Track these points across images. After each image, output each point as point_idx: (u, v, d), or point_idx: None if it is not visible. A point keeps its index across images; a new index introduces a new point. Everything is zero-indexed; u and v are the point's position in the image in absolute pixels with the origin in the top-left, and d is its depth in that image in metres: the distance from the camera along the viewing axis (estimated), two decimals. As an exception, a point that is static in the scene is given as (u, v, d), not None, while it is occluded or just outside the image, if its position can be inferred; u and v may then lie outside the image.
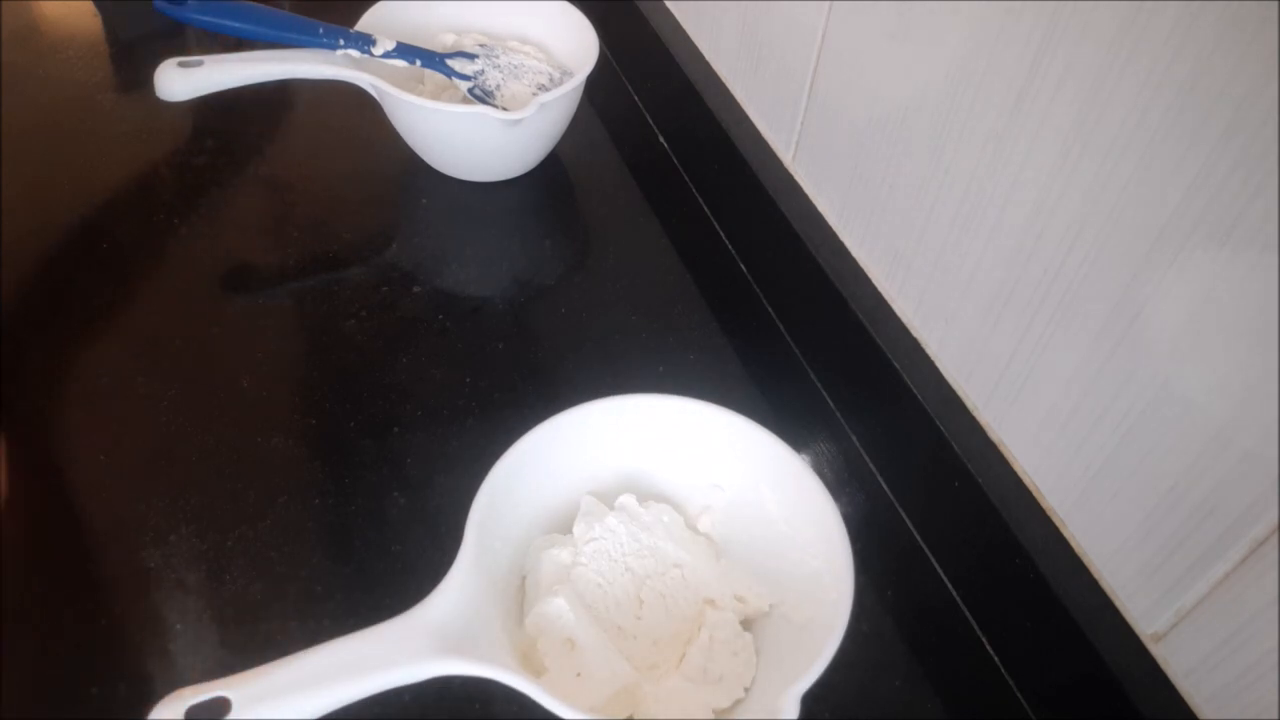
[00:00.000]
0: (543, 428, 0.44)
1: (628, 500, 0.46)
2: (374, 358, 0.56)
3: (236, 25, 0.60)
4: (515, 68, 0.68)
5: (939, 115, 0.44)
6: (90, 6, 0.80)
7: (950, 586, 0.48)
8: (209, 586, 0.46)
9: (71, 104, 0.71)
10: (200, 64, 0.59)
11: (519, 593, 0.44)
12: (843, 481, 0.53)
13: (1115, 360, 0.37)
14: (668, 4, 0.72)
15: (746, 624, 0.44)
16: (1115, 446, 0.38)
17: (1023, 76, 0.38)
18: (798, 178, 0.59)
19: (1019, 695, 0.45)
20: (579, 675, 0.40)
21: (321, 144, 0.70)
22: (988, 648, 0.46)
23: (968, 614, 0.47)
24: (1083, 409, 0.40)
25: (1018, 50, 0.38)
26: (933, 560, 0.49)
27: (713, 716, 0.40)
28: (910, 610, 0.48)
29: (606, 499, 0.46)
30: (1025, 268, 0.41)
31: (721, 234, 0.66)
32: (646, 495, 0.47)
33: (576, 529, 0.45)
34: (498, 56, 0.68)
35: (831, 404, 0.57)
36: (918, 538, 0.50)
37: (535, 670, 0.40)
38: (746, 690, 0.42)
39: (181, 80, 0.59)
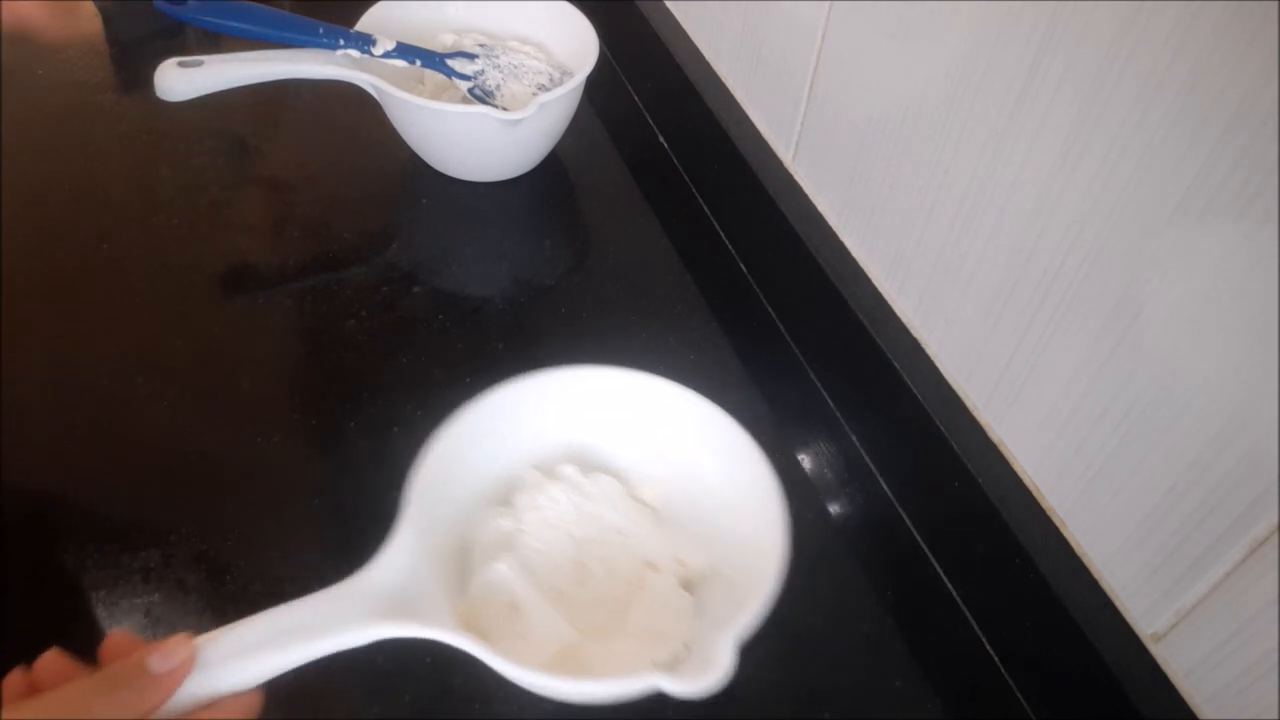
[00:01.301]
0: (482, 400, 0.44)
1: (570, 470, 0.46)
2: (374, 358, 0.56)
3: (236, 25, 0.60)
4: (515, 68, 0.68)
5: (939, 115, 0.44)
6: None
7: (950, 586, 0.48)
8: (209, 586, 0.46)
9: (71, 104, 0.71)
10: (200, 64, 0.59)
11: (461, 563, 0.44)
12: (843, 481, 0.53)
13: (1115, 360, 0.37)
14: (668, 4, 0.72)
15: (688, 585, 0.45)
16: (1115, 446, 0.38)
17: (1023, 76, 0.38)
18: (798, 178, 0.59)
19: (1019, 695, 0.45)
20: (522, 637, 0.41)
21: (321, 144, 0.70)
22: (988, 648, 0.46)
23: (968, 614, 0.47)
24: (1083, 409, 0.40)
25: (1018, 50, 0.38)
26: (933, 560, 0.49)
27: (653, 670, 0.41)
28: (910, 610, 0.48)
29: (550, 471, 0.47)
30: (1025, 268, 0.41)
31: (721, 234, 0.66)
32: (590, 467, 0.47)
33: (519, 499, 0.45)
34: (498, 56, 0.68)
35: (831, 404, 0.57)
36: (918, 538, 0.50)
37: (480, 636, 0.40)
38: (687, 647, 0.42)
39: (181, 80, 0.59)
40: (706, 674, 0.35)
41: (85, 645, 0.44)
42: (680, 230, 0.67)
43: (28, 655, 0.43)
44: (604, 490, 0.46)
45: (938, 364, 0.49)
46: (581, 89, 0.65)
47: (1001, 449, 0.45)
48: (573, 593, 0.43)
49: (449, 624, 0.37)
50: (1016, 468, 0.45)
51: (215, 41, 0.75)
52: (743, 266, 0.64)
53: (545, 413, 0.46)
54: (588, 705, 0.43)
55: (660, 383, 0.46)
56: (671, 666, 0.41)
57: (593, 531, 0.45)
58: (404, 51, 0.64)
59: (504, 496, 0.46)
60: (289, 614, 0.35)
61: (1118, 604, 0.40)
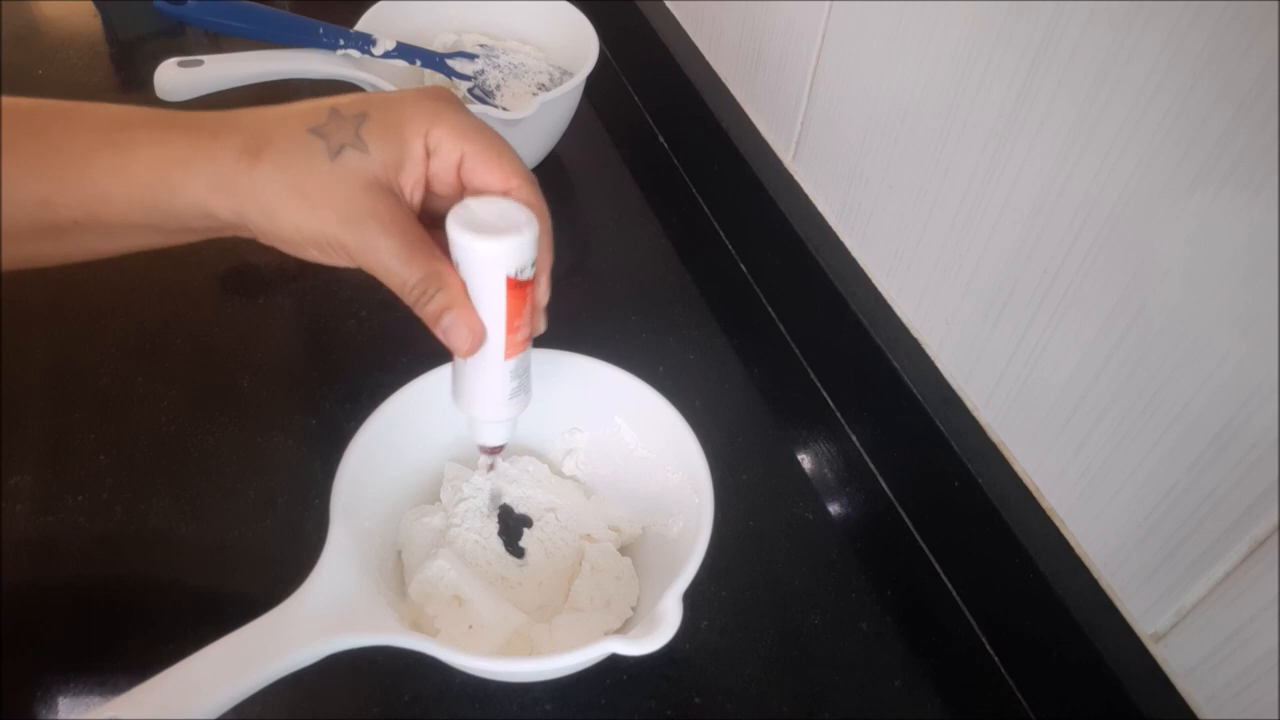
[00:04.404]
0: (390, 403, 0.44)
1: (475, 442, 0.46)
2: (374, 358, 0.56)
3: (236, 25, 0.60)
4: (515, 68, 0.68)
5: (939, 115, 0.44)
6: (90, 6, 0.80)
7: (950, 586, 0.48)
8: (209, 586, 0.46)
9: (71, 104, 0.71)
10: (200, 64, 0.59)
11: (397, 567, 0.44)
12: (843, 481, 0.53)
13: (1115, 360, 0.37)
14: (668, 4, 0.72)
15: (625, 550, 0.46)
16: (1115, 447, 0.38)
17: (1023, 76, 0.38)
18: (798, 178, 0.59)
19: (1019, 695, 0.45)
20: (471, 628, 0.41)
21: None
22: (988, 648, 0.46)
23: (967, 614, 0.47)
24: (1083, 409, 0.40)
25: (1018, 50, 0.38)
26: (933, 560, 0.49)
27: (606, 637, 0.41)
28: (910, 610, 0.48)
29: (471, 462, 0.47)
30: (1025, 267, 0.41)
31: (721, 234, 0.66)
32: (510, 451, 0.47)
33: (444, 494, 0.46)
34: (498, 56, 0.68)
35: (831, 404, 0.57)
36: (918, 538, 0.50)
37: (429, 634, 0.41)
38: (634, 609, 0.43)
39: (181, 80, 0.59)
40: (658, 633, 0.35)
41: (85, 648, 0.44)
42: (680, 230, 0.67)
43: (28, 658, 0.43)
44: (528, 471, 0.47)
45: (938, 364, 0.49)
46: (581, 89, 0.65)
47: (1001, 449, 0.45)
48: (514, 577, 0.44)
49: (396, 627, 0.37)
50: (1016, 468, 0.45)
51: (215, 41, 0.75)
52: (743, 266, 0.64)
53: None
54: (572, 695, 0.43)
55: (562, 355, 0.46)
56: (623, 630, 0.42)
57: (524, 513, 0.46)
58: (404, 51, 0.64)
59: (429, 494, 0.47)
60: (235, 643, 0.35)
61: (1118, 604, 0.40)
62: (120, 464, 0.50)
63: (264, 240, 0.34)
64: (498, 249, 0.33)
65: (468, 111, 0.34)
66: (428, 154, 0.33)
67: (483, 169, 0.34)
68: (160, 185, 0.32)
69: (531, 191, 0.35)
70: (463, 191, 0.35)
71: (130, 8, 0.79)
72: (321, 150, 0.32)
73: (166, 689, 0.33)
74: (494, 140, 0.34)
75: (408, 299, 0.34)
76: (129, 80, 0.74)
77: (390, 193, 0.33)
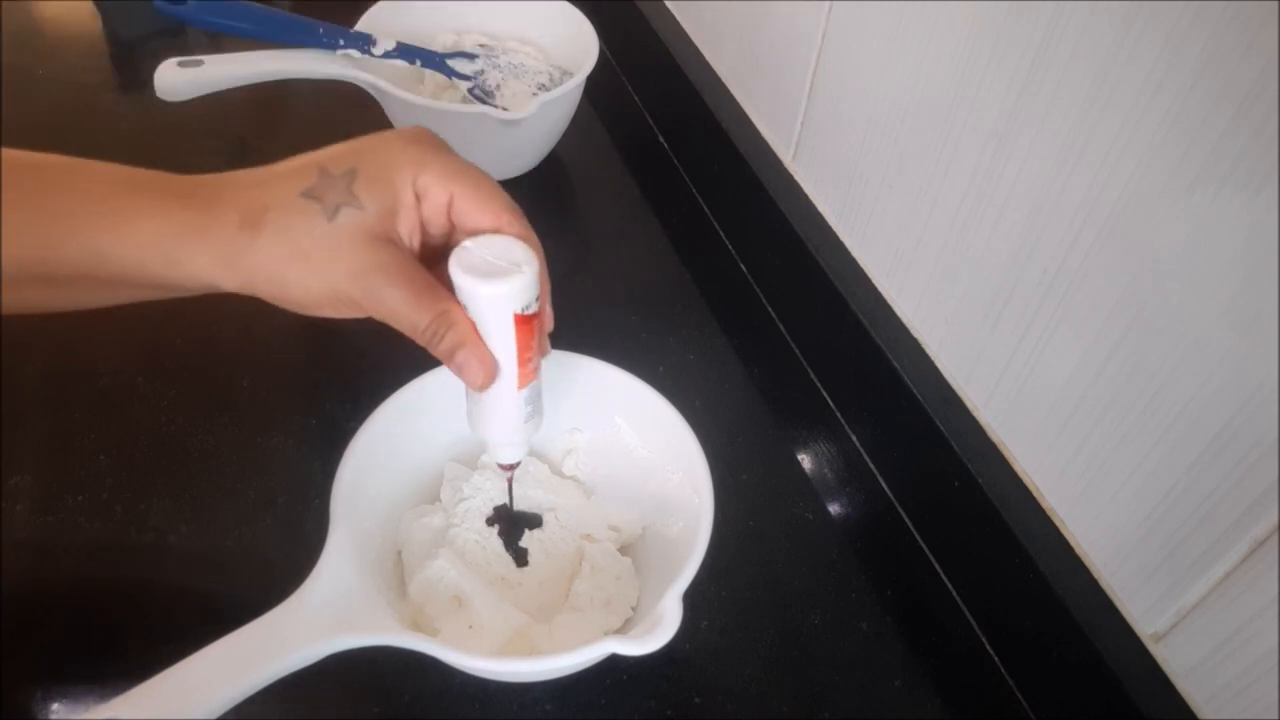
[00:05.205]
0: (391, 402, 0.44)
1: (490, 459, 0.46)
2: (374, 358, 0.56)
3: (236, 25, 0.60)
4: (515, 68, 0.68)
5: (939, 115, 0.44)
6: (90, 6, 0.80)
7: (950, 586, 0.48)
8: (209, 586, 0.46)
9: (71, 104, 0.71)
10: (200, 64, 0.59)
11: (397, 567, 0.44)
12: (843, 481, 0.53)
13: (1115, 360, 0.37)
14: (668, 4, 0.72)
15: (625, 550, 0.46)
16: (1115, 446, 0.38)
17: (1023, 76, 0.38)
18: (798, 178, 0.59)
19: (1019, 695, 0.45)
20: (471, 628, 0.41)
21: (321, 144, 0.69)
22: (988, 648, 0.46)
23: (967, 614, 0.47)
24: (1083, 409, 0.40)
25: (1018, 50, 0.38)
26: (933, 560, 0.49)
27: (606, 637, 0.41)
28: (910, 610, 0.48)
29: (471, 462, 0.47)
30: (1025, 267, 0.41)
31: (721, 234, 0.66)
32: None
33: (444, 494, 0.46)
34: (498, 56, 0.68)
35: (831, 404, 0.57)
36: (918, 538, 0.50)
37: (429, 634, 0.41)
38: (634, 609, 0.43)
39: (181, 80, 0.59)
40: (658, 633, 0.35)
41: (86, 648, 0.44)
42: (680, 230, 0.67)
43: (28, 659, 0.43)
44: (528, 471, 0.47)
45: (938, 364, 0.49)
46: (581, 89, 0.65)
47: (1001, 449, 0.45)
48: (514, 577, 0.44)
49: (396, 627, 0.37)
50: (1016, 468, 0.45)
51: (215, 41, 0.75)
52: (743, 266, 0.64)
53: (457, 405, 0.46)
54: (572, 695, 0.43)
55: (562, 355, 0.46)
56: (623, 630, 0.42)
57: (526, 512, 0.46)
58: (404, 51, 0.64)
59: (429, 494, 0.47)
60: (235, 643, 0.35)
61: (1118, 604, 0.40)
62: (120, 464, 0.50)
63: (274, 302, 0.35)
64: (504, 290, 0.34)
65: (451, 152, 0.36)
66: (418, 200, 0.35)
67: (473, 210, 0.35)
68: (162, 258, 0.34)
69: (522, 225, 0.36)
70: (454, 229, 0.36)
71: (130, 8, 0.79)
72: (318, 212, 0.33)
73: (166, 689, 0.33)
74: (480, 180, 0.36)
75: (421, 340, 0.35)
76: (129, 80, 0.73)
77: (390, 243, 0.34)
